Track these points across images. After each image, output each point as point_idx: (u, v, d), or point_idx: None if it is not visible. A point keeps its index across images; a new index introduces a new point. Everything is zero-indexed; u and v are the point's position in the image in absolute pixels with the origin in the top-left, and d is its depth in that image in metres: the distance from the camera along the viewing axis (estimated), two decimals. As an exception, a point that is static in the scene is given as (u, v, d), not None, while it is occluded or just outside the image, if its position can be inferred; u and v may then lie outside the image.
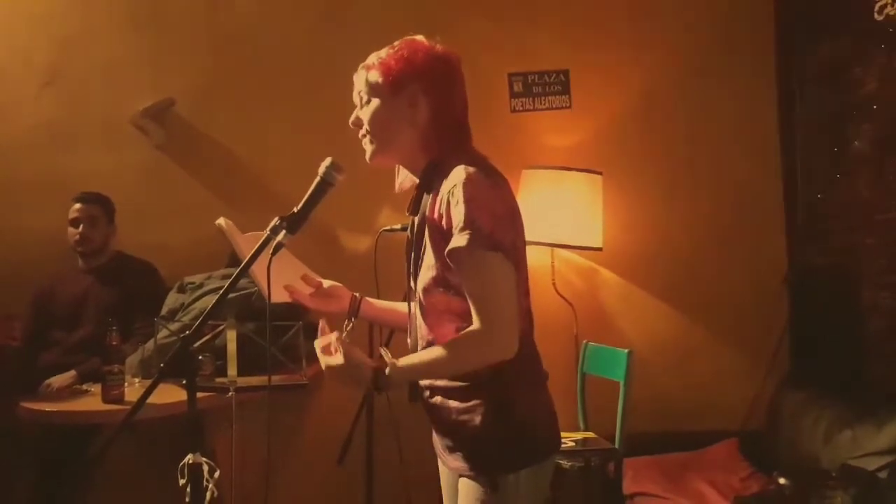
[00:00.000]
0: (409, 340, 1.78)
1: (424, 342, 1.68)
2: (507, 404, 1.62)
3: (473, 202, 1.51)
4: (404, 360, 1.58)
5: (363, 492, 3.10)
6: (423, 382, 1.70)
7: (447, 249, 1.54)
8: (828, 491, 2.54)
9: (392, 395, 2.60)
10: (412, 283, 1.71)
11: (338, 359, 1.58)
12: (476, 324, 1.53)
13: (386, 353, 1.62)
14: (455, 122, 1.68)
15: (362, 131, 1.71)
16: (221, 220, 1.94)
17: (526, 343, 1.68)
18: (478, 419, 1.61)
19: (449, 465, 1.70)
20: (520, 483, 1.60)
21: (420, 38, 1.69)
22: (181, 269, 3.45)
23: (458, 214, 1.52)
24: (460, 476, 1.66)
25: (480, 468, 1.61)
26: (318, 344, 1.63)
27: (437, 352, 1.56)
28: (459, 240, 1.51)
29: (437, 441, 1.74)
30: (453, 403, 1.65)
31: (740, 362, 3.66)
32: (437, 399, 1.69)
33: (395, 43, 1.69)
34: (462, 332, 1.55)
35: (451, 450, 1.67)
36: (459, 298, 1.58)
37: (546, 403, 1.71)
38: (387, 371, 1.56)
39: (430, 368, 1.59)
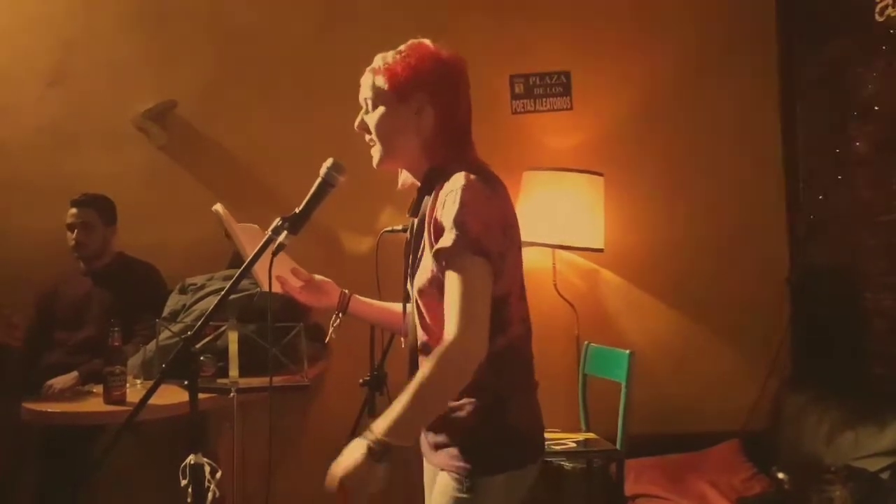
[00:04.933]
0: (403, 342, 1.78)
1: (420, 344, 1.68)
2: (497, 406, 1.61)
3: (466, 207, 1.52)
4: (382, 418, 1.50)
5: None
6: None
7: (434, 249, 1.55)
8: (827, 486, 2.53)
9: (393, 396, 2.65)
10: (409, 285, 1.71)
11: (335, 472, 1.49)
12: (446, 331, 1.49)
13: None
14: (459, 129, 1.68)
15: (369, 137, 1.71)
16: (218, 206, 1.92)
17: (522, 349, 1.68)
18: (466, 417, 1.61)
19: (432, 460, 1.69)
20: (495, 487, 1.59)
21: (427, 42, 1.69)
22: (183, 270, 3.45)
23: (449, 216, 1.53)
24: (441, 470, 1.65)
25: (461, 466, 1.60)
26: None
27: (413, 385, 1.49)
28: (446, 240, 1.52)
29: (423, 437, 1.72)
30: None
31: (742, 363, 3.65)
32: None
33: (402, 47, 1.68)
34: (432, 354, 1.50)
35: (437, 446, 1.66)
36: None
37: (535, 411, 1.70)
38: (370, 440, 1.47)
39: (415, 404, 1.49)
